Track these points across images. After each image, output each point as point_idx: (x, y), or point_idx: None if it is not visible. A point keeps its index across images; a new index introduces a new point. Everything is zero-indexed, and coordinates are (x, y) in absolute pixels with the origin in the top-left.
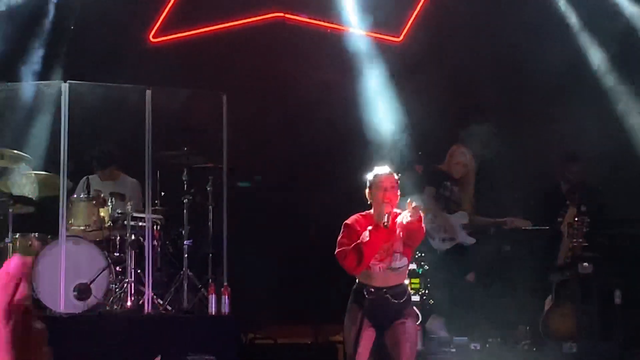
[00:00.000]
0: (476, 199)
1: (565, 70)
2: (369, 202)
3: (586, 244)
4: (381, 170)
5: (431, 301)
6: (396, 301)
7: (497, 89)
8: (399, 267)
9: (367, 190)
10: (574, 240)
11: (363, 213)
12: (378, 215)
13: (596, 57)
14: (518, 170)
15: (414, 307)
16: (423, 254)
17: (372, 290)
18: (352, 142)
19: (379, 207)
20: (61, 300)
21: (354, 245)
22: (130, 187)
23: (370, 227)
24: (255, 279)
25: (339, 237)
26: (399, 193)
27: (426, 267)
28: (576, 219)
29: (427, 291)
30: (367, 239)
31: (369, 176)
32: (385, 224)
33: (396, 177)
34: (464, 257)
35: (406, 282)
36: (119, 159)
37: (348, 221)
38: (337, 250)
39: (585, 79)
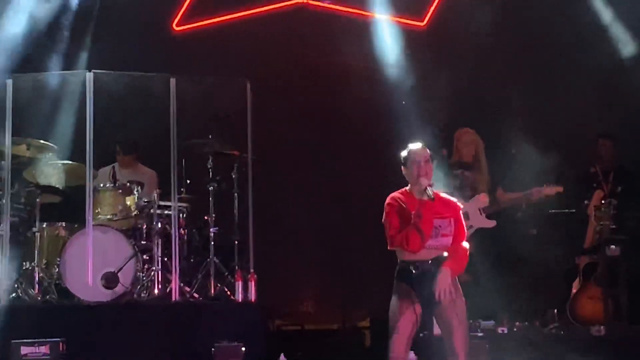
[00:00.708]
0: (493, 178)
1: (597, 50)
2: (407, 179)
3: (614, 227)
4: (414, 145)
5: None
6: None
7: (526, 68)
8: (442, 247)
9: (402, 168)
10: (601, 222)
11: (400, 190)
12: (419, 191)
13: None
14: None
15: (456, 280)
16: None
17: (417, 265)
18: (377, 126)
19: (417, 183)
20: (89, 289)
21: (413, 228)
22: (148, 177)
23: (418, 205)
24: (282, 265)
25: (388, 220)
26: (433, 166)
27: None
28: (603, 201)
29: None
30: (422, 216)
31: (403, 153)
32: (431, 197)
33: (429, 151)
34: (489, 241)
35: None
36: (139, 147)
37: (390, 201)
38: (390, 232)
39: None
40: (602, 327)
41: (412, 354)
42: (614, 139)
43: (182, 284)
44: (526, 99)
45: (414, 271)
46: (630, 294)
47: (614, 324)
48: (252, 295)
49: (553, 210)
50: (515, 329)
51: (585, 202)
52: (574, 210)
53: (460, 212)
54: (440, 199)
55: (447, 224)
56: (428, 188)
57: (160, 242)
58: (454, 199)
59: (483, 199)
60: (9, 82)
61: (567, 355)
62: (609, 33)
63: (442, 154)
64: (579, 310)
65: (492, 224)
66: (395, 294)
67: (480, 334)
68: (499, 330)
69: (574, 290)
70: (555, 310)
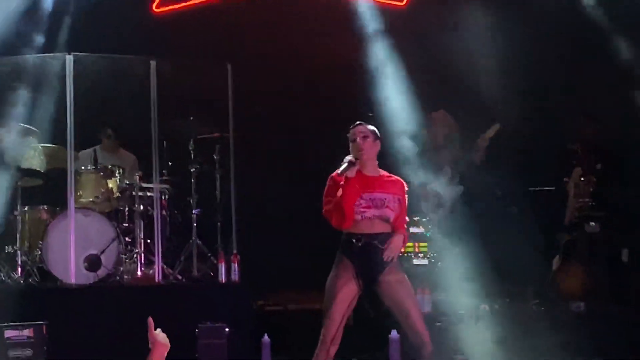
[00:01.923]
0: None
1: (579, 33)
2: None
3: (593, 204)
4: (353, 125)
5: (439, 264)
6: (383, 247)
7: (505, 46)
8: (385, 219)
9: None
10: (580, 199)
11: None
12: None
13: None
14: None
15: (399, 262)
16: (429, 218)
17: (360, 237)
18: (358, 108)
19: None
20: (72, 271)
21: (335, 201)
22: (130, 161)
23: (342, 183)
24: (265, 246)
25: (324, 194)
26: (374, 141)
27: (433, 230)
28: (582, 178)
29: (435, 254)
30: (341, 192)
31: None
32: (339, 172)
33: (369, 127)
34: (469, 219)
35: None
36: (121, 131)
37: (331, 175)
38: (323, 209)
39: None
40: (582, 303)
41: (394, 333)
42: (596, 117)
43: (165, 266)
44: (505, 80)
45: (355, 243)
46: (610, 270)
47: (594, 300)
48: (236, 276)
49: (533, 188)
50: (496, 307)
51: (565, 179)
52: (553, 188)
53: (406, 190)
54: (390, 179)
55: (392, 199)
56: (344, 165)
57: (142, 224)
58: (404, 184)
59: (448, 170)
60: None
61: (548, 332)
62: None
63: (421, 134)
64: (559, 286)
65: (459, 189)
66: (335, 268)
67: (461, 312)
68: (481, 307)
69: (554, 267)
70: (536, 287)
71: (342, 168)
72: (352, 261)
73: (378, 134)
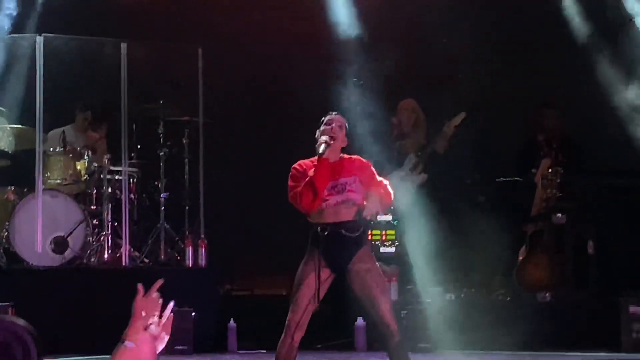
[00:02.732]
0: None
1: (544, 20)
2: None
3: (560, 195)
4: (332, 112)
5: (407, 252)
6: (350, 234)
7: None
8: (347, 202)
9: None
10: (548, 191)
11: (311, 158)
12: (317, 147)
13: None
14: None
15: (370, 249)
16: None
17: (326, 226)
18: (329, 93)
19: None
20: (38, 253)
21: (306, 181)
22: (100, 142)
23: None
24: (232, 231)
25: (288, 183)
26: (343, 132)
27: (400, 218)
28: (550, 170)
29: (402, 242)
30: (314, 172)
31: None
32: (320, 152)
33: (341, 118)
34: (437, 207)
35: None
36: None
37: (294, 165)
38: (289, 194)
39: (563, 29)
40: (548, 293)
41: (360, 320)
42: (557, 108)
43: (132, 249)
44: (474, 68)
45: (320, 233)
46: (575, 261)
47: (560, 290)
48: (203, 261)
49: (501, 179)
50: (462, 296)
51: (533, 170)
52: (521, 179)
53: (371, 166)
54: (348, 159)
55: (352, 180)
56: (323, 145)
57: (110, 207)
58: (362, 159)
59: (411, 159)
60: None
61: (514, 322)
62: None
63: (391, 123)
64: (525, 277)
65: (423, 178)
66: (303, 259)
67: (428, 300)
68: (447, 296)
69: (520, 258)
70: (502, 277)
71: (322, 148)
72: (319, 250)
73: (347, 132)
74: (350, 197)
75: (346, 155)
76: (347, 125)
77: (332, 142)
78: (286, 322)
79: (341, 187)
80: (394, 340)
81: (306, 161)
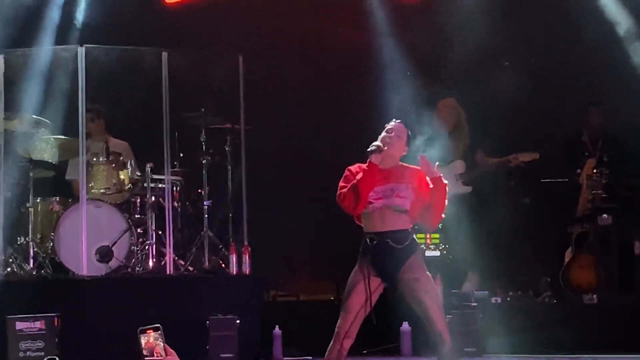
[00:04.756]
0: (471, 148)
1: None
2: None
3: (605, 195)
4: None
5: (451, 256)
6: (397, 246)
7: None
8: (396, 208)
9: None
10: (593, 191)
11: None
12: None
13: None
14: (538, 120)
15: (422, 257)
16: None
17: (373, 236)
18: (370, 98)
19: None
20: (84, 263)
21: (352, 184)
22: (122, 148)
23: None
24: (276, 237)
25: (339, 183)
26: (401, 141)
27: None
28: (595, 170)
29: (447, 246)
30: (361, 176)
31: None
32: (368, 150)
33: (408, 131)
34: (482, 210)
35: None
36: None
37: (350, 167)
38: (337, 194)
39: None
40: (594, 295)
41: (405, 325)
42: (602, 106)
43: (176, 257)
44: (514, 69)
45: (369, 243)
46: (622, 262)
47: (606, 292)
48: (247, 268)
49: (545, 180)
50: (508, 299)
51: (577, 170)
52: (566, 180)
53: (426, 176)
54: (404, 167)
55: (403, 187)
56: (370, 149)
57: (154, 216)
58: (418, 168)
59: (459, 166)
60: (0, 57)
61: (561, 324)
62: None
63: (432, 124)
64: (571, 279)
65: (467, 189)
66: (355, 267)
67: (473, 304)
68: (493, 300)
69: (566, 259)
70: (548, 280)
71: (369, 152)
72: (370, 261)
73: (410, 140)
74: (396, 202)
75: (404, 164)
76: (409, 134)
77: (375, 147)
78: (336, 329)
79: (389, 192)
80: (445, 349)
81: (362, 165)
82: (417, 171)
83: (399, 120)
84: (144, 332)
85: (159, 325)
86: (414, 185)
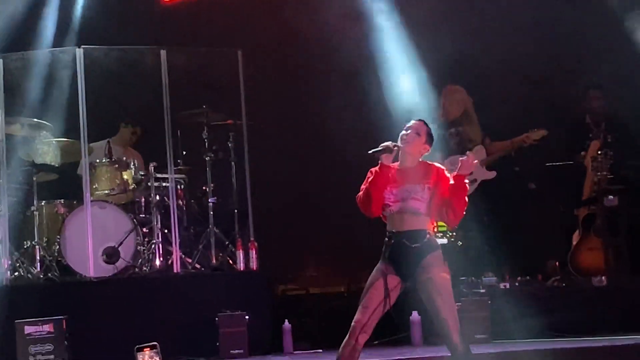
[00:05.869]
0: (482, 130)
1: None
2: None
3: (611, 177)
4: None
5: (459, 242)
6: (412, 245)
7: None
8: (411, 211)
9: None
10: (598, 173)
11: (393, 164)
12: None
13: None
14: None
15: (440, 256)
16: None
17: (391, 235)
18: (370, 89)
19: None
20: (90, 264)
21: (364, 189)
22: (136, 158)
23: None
24: (283, 231)
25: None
26: (423, 142)
27: None
28: (599, 152)
29: (454, 233)
30: (372, 178)
31: None
32: (370, 152)
33: (428, 128)
34: (488, 196)
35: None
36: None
37: (372, 169)
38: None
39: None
40: (603, 277)
41: (415, 314)
42: (603, 89)
43: (183, 255)
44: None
45: (388, 241)
46: (630, 243)
47: (615, 274)
48: (254, 264)
49: (550, 163)
50: (517, 284)
51: (582, 153)
52: (571, 162)
53: (445, 173)
54: (425, 165)
55: (420, 188)
56: (381, 147)
57: (159, 215)
58: (438, 165)
59: (480, 151)
60: None
61: (570, 307)
62: None
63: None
64: (580, 262)
65: (492, 174)
66: (377, 265)
67: (482, 291)
68: (501, 285)
69: (574, 242)
70: (557, 263)
71: (375, 150)
72: (390, 259)
73: (432, 139)
74: (411, 204)
75: (425, 162)
76: (429, 132)
77: (394, 149)
78: (352, 324)
79: (406, 194)
80: (456, 353)
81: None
82: (437, 168)
83: (418, 119)
84: (140, 350)
85: (155, 343)
86: (431, 184)
